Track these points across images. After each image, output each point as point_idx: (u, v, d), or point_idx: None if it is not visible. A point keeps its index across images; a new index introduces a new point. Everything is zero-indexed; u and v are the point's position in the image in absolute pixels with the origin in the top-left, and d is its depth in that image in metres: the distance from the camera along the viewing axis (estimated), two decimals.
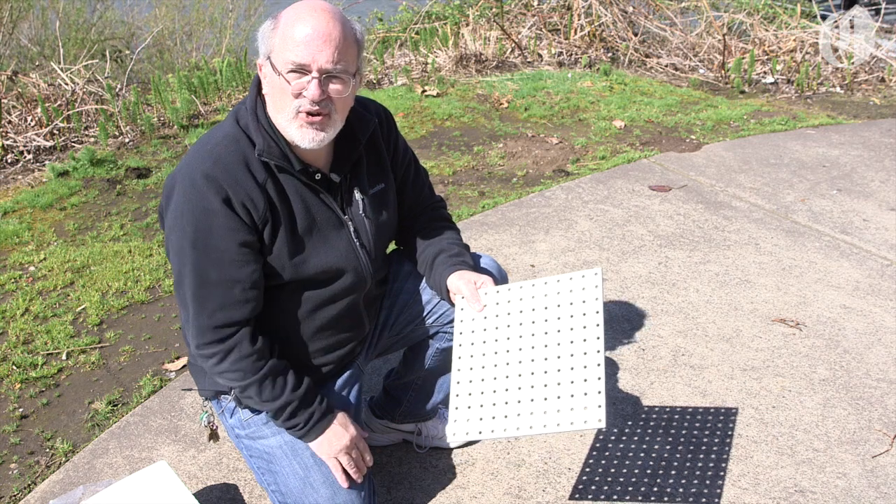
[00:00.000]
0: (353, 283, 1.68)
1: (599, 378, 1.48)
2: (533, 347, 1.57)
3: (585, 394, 1.48)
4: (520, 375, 1.56)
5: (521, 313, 1.63)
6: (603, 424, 1.44)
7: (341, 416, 1.65)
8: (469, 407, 1.57)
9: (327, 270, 1.63)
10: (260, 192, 1.51)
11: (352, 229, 1.65)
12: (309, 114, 1.48)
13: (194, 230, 1.49)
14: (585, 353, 1.52)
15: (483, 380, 1.59)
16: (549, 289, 1.63)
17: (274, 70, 1.47)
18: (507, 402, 1.54)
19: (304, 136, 1.50)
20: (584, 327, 1.55)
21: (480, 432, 1.53)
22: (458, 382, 1.61)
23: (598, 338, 1.52)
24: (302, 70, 1.45)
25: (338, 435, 1.63)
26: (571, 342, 1.54)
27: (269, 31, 1.49)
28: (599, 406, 1.46)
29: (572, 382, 1.50)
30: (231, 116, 1.57)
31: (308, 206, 1.58)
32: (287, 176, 1.55)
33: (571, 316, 1.57)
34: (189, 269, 1.51)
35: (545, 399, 1.51)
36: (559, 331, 1.57)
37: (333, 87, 1.48)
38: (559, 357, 1.54)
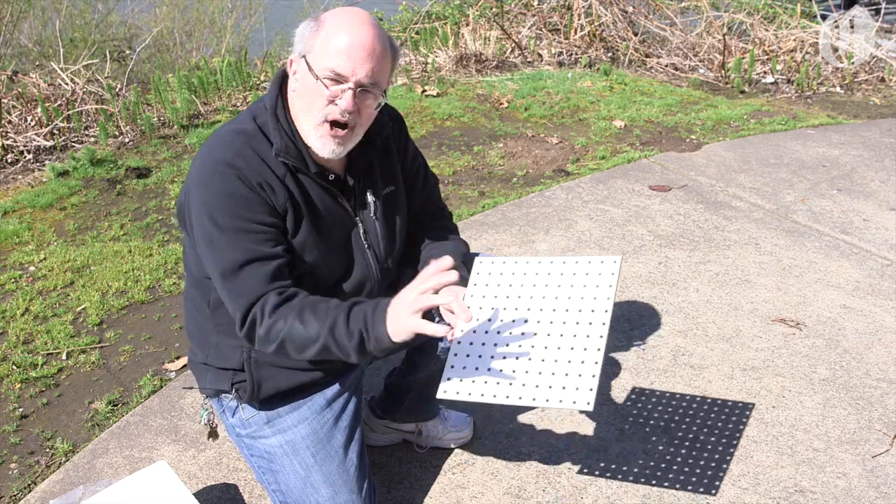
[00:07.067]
0: (357, 285, 1.67)
1: (597, 363, 1.48)
2: (538, 322, 1.58)
3: (580, 375, 1.48)
4: (520, 346, 1.57)
5: (534, 287, 1.63)
6: (591, 408, 1.45)
7: (384, 312, 1.47)
8: (464, 368, 1.58)
9: (336, 270, 1.63)
10: (281, 184, 1.52)
11: (362, 231, 1.66)
12: (334, 124, 1.49)
13: (221, 213, 1.48)
14: (588, 336, 1.52)
15: (483, 344, 1.60)
16: (567, 268, 1.63)
17: (310, 71, 1.47)
18: (501, 370, 1.55)
19: (325, 147, 1.51)
20: (593, 311, 1.55)
21: (470, 394, 1.53)
22: (458, 342, 1.62)
23: (604, 324, 1.52)
24: (339, 79, 1.46)
25: (394, 318, 1.46)
26: (577, 323, 1.55)
27: (310, 32, 1.48)
28: (591, 389, 1.46)
29: (569, 362, 1.51)
30: (248, 114, 1.58)
31: (323, 206, 1.59)
32: (303, 176, 1.56)
33: (582, 298, 1.57)
34: (223, 254, 1.50)
35: (540, 373, 1.51)
36: (567, 310, 1.57)
37: (365, 101, 1.49)
38: (562, 335, 1.54)
